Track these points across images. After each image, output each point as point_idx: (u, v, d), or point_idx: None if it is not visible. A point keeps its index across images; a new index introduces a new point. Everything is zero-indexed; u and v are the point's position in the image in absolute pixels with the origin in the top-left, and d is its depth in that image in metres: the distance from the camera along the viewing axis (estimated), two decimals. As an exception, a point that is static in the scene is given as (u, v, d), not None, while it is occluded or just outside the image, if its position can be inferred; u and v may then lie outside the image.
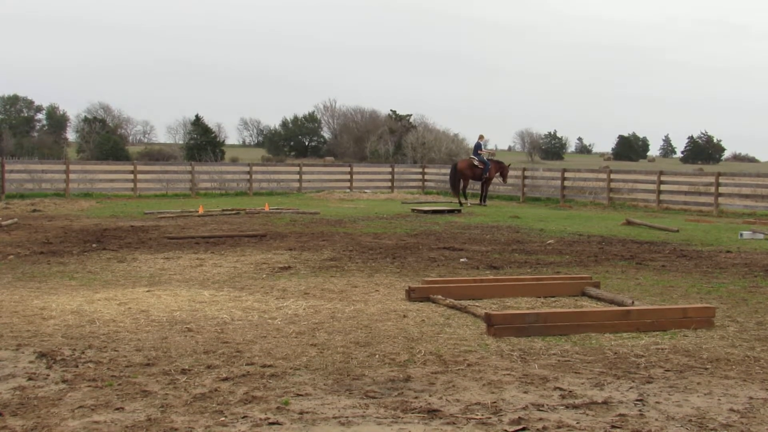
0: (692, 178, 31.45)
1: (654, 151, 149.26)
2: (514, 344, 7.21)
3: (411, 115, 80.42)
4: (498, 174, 29.14)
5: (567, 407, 5.40)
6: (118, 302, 8.94)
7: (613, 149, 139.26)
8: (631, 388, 5.91)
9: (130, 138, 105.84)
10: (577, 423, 5.07)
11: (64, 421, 5.02)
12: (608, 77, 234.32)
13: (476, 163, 28.10)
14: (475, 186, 30.41)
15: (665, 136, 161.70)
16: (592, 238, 16.73)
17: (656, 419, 5.18)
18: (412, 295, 9.31)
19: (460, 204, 26.78)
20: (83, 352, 6.71)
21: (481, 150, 28.91)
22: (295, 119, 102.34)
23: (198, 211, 21.77)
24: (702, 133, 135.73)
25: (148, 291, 9.73)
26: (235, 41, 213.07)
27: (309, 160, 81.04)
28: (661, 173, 28.40)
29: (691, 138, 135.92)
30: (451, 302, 8.93)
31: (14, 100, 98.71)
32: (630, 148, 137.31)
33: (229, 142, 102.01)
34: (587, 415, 5.25)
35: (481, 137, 29.46)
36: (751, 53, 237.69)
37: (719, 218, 23.58)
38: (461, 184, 28.03)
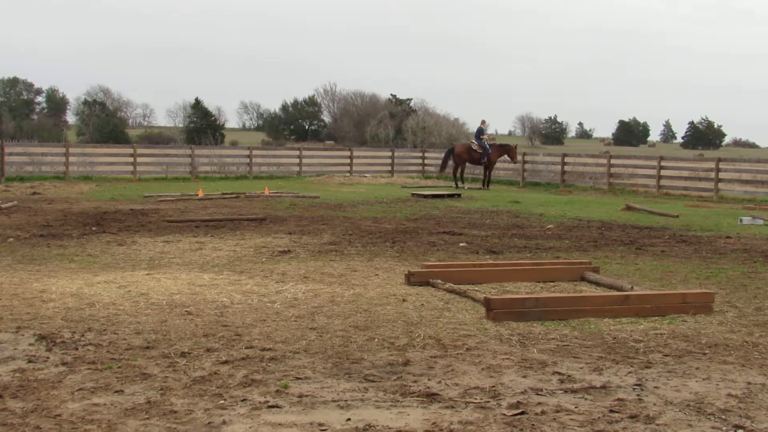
0: (692, 163, 31.43)
1: (654, 136, 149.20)
2: (513, 329, 7.22)
3: (411, 99, 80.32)
4: (501, 157, 29.13)
5: (565, 392, 5.41)
6: (118, 285, 8.95)
7: (613, 134, 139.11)
8: (629, 372, 5.92)
9: (130, 121, 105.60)
10: (576, 407, 5.08)
11: (63, 403, 5.03)
12: (609, 62, 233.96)
13: (474, 147, 28.08)
14: (474, 171, 30.37)
15: (666, 122, 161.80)
16: (591, 224, 16.73)
17: (654, 404, 5.20)
18: (412, 279, 9.32)
19: (457, 187, 26.88)
20: (83, 335, 6.72)
21: (483, 135, 28.87)
22: (296, 103, 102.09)
23: (198, 195, 21.77)
24: (702, 119, 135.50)
25: (147, 274, 9.73)
26: (236, 25, 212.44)
27: (309, 143, 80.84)
28: (662, 158, 28.36)
29: (691, 123, 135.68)
30: (451, 287, 8.93)
31: (14, 82, 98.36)
32: (630, 133, 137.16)
33: (229, 125, 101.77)
34: (586, 399, 5.26)
35: (483, 122, 29.42)
36: (753, 38, 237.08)
37: (719, 204, 23.56)
38: (458, 169, 28.09)
